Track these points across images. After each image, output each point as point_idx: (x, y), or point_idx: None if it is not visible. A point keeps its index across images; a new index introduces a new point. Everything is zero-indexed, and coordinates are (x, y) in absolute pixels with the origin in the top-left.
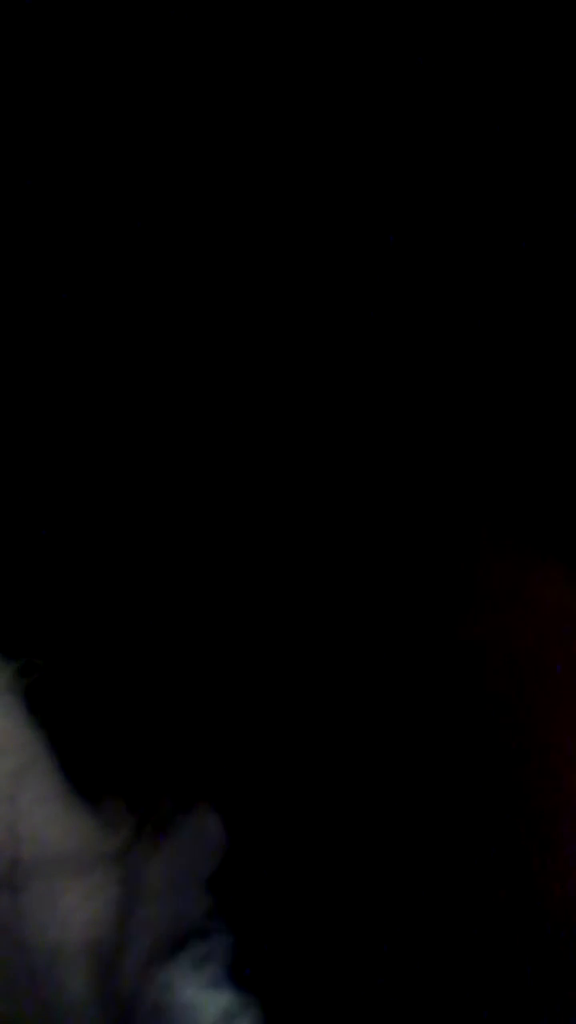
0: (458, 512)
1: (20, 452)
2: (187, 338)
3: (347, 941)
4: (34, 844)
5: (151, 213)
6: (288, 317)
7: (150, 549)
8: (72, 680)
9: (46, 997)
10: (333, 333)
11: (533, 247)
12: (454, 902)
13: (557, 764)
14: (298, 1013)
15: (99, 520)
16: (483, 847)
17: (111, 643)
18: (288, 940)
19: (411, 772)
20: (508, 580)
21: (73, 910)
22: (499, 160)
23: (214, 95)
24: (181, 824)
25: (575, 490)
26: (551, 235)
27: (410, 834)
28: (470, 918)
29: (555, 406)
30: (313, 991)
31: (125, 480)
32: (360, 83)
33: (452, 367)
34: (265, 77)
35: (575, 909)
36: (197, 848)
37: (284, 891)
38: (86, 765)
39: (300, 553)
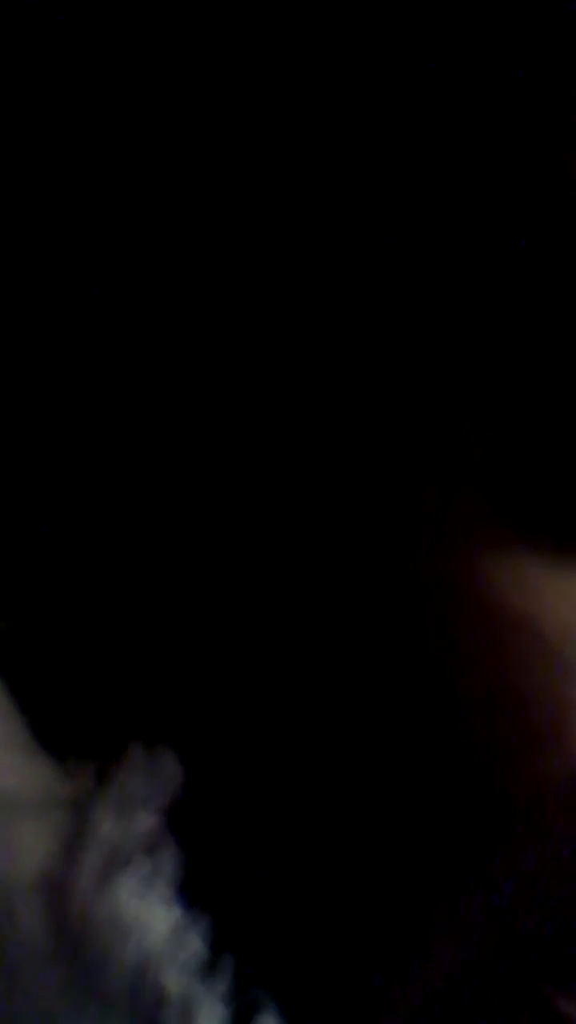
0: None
1: (20, 452)
2: (187, 338)
3: (297, 859)
4: None
5: (151, 213)
6: (288, 316)
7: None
8: (34, 631)
9: (3, 932)
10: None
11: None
12: (403, 816)
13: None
14: (247, 928)
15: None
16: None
17: (72, 593)
18: (238, 857)
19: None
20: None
21: (28, 848)
22: (499, 160)
23: (214, 95)
24: (135, 757)
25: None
26: (551, 235)
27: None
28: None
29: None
30: (263, 906)
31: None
32: (360, 83)
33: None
34: (265, 77)
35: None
36: (148, 776)
37: (235, 809)
38: (48, 713)
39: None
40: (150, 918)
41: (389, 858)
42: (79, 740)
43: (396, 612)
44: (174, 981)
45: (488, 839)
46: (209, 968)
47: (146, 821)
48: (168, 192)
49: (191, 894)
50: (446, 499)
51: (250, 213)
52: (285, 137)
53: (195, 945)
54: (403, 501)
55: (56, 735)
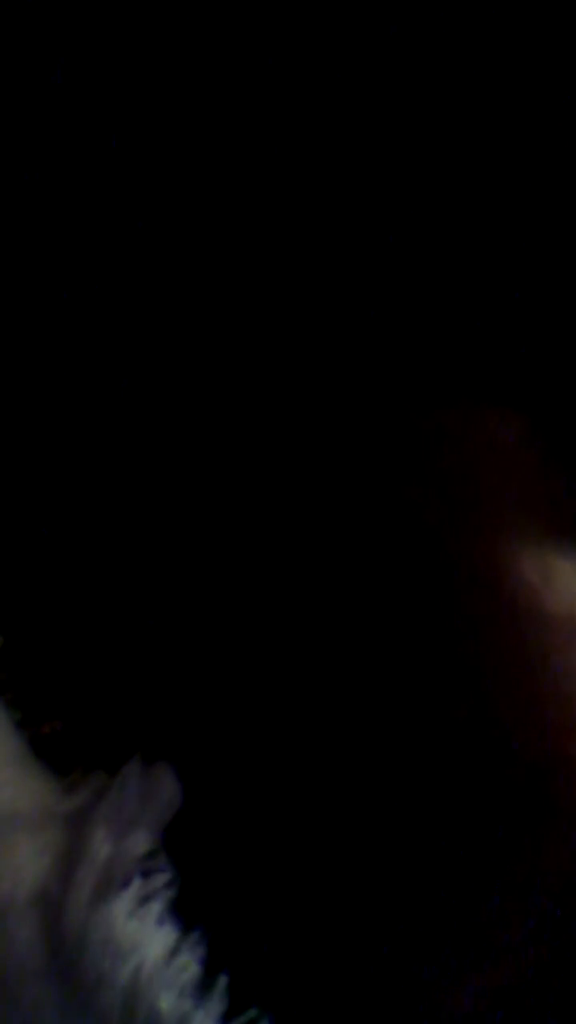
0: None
1: (20, 452)
2: (187, 338)
3: (292, 876)
4: None
5: (151, 213)
6: (288, 316)
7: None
8: (32, 645)
9: None
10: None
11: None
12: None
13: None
14: (242, 947)
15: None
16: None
17: (72, 604)
18: (232, 876)
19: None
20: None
21: (23, 864)
22: (499, 161)
23: (214, 95)
24: (131, 773)
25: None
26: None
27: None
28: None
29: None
30: (257, 925)
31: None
32: (360, 84)
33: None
34: (265, 77)
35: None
36: (146, 796)
37: (228, 828)
38: (46, 728)
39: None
40: (145, 938)
41: (400, 867)
42: (77, 755)
43: (422, 601)
44: (169, 1001)
45: (525, 833)
46: (204, 988)
47: (142, 840)
48: (168, 192)
49: (186, 914)
50: (475, 487)
51: (250, 213)
52: (285, 137)
53: (190, 965)
54: (431, 487)
55: (54, 749)
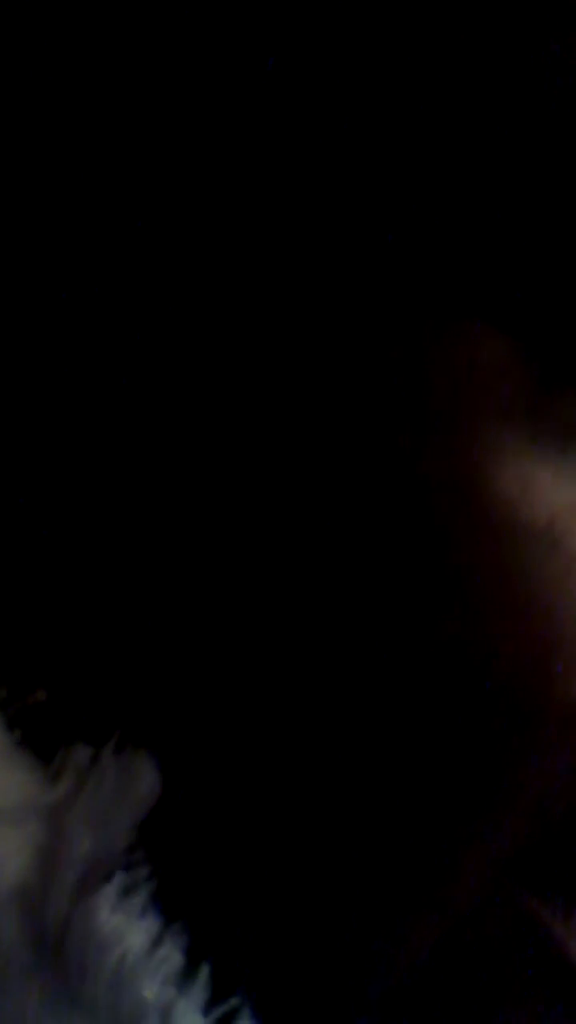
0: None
1: (18, 448)
2: (187, 338)
3: (272, 867)
4: None
5: (151, 213)
6: (288, 315)
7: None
8: (13, 635)
9: None
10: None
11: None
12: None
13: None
14: (223, 938)
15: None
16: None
17: (53, 595)
18: (213, 868)
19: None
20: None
21: (5, 859)
22: (499, 162)
23: (214, 95)
24: (110, 764)
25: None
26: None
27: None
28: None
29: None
30: (239, 914)
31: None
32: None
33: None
34: (265, 77)
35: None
36: (125, 787)
37: (208, 816)
38: (28, 719)
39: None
40: (127, 930)
41: (387, 842)
42: (58, 744)
43: (398, 516)
44: (153, 990)
45: (508, 747)
46: (187, 977)
47: (122, 832)
48: (168, 192)
49: (167, 905)
50: (454, 401)
51: (250, 213)
52: (285, 137)
53: (173, 955)
54: (409, 402)
55: (35, 739)
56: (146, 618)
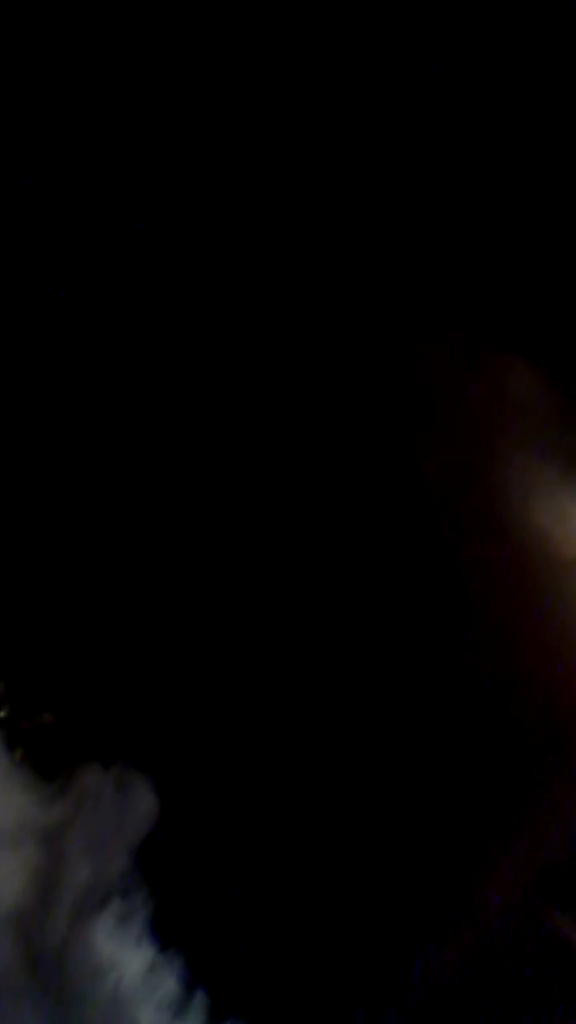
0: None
1: (20, 450)
2: (187, 338)
3: (272, 893)
4: None
5: (151, 213)
6: (288, 315)
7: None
8: (24, 639)
9: None
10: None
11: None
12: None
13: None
14: (220, 964)
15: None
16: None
17: (53, 615)
18: (211, 894)
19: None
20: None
21: (4, 880)
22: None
23: (214, 95)
24: (107, 787)
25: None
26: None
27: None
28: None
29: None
30: (236, 942)
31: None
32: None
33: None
34: (265, 77)
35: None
36: (123, 812)
37: (209, 845)
38: (29, 739)
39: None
40: (124, 956)
41: (389, 866)
42: (59, 766)
43: (433, 549)
44: (148, 1016)
45: (538, 777)
46: (182, 1004)
47: (119, 858)
48: (168, 191)
49: (163, 931)
50: (482, 435)
51: (250, 213)
52: (285, 137)
53: (169, 982)
54: (438, 436)
55: (34, 761)
56: (149, 643)
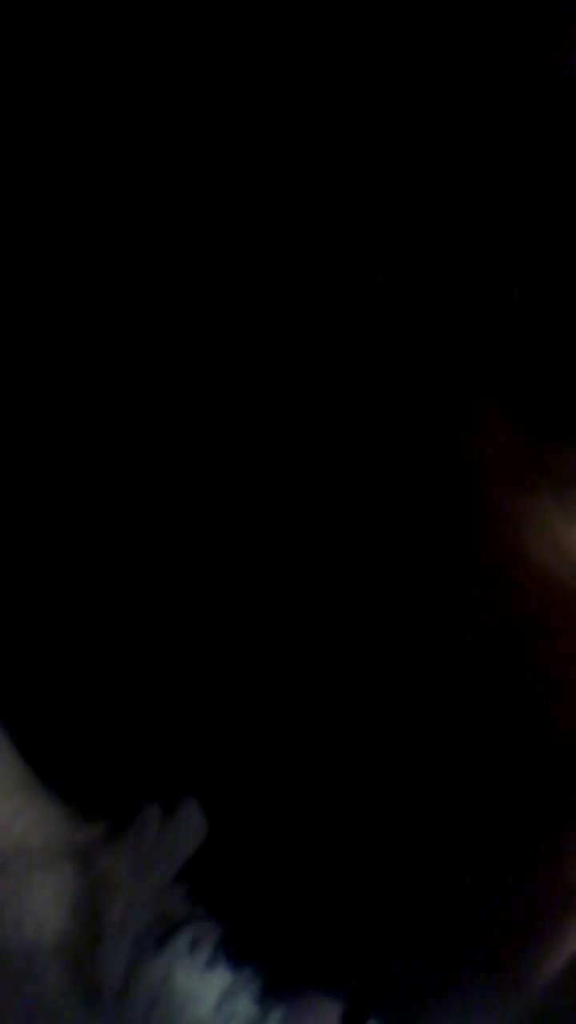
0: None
1: (19, 452)
2: (187, 338)
3: (337, 901)
4: None
5: (151, 213)
6: (288, 316)
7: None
8: (37, 668)
9: (27, 1000)
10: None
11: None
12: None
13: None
14: (298, 978)
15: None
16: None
17: (80, 628)
18: (278, 908)
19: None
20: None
21: (46, 906)
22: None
23: (214, 95)
24: (153, 811)
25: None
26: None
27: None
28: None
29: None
30: (309, 954)
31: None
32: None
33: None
34: (265, 77)
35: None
36: (171, 834)
37: (266, 862)
38: (52, 754)
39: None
40: (199, 986)
41: (444, 876)
42: (91, 783)
43: (431, 585)
44: None
45: (550, 812)
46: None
47: (169, 876)
48: (168, 191)
49: (236, 952)
50: (472, 469)
51: (250, 213)
52: (285, 136)
53: (246, 1005)
54: (429, 472)
55: (65, 777)
56: (187, 657)
